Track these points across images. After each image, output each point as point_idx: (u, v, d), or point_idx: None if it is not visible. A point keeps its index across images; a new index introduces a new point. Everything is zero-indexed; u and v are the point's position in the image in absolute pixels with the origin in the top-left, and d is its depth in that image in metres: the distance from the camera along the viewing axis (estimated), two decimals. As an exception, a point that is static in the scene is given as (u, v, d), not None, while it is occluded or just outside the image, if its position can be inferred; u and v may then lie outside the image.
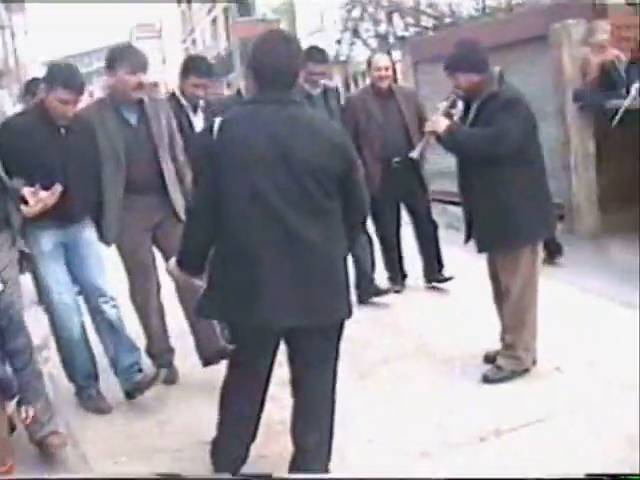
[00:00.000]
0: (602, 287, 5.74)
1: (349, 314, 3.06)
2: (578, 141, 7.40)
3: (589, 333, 4.83)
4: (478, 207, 4.15)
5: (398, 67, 13.44)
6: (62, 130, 3.91)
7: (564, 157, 7.49)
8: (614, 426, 3.60)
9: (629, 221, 7.32)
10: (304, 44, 11.49)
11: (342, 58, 18.95)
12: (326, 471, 3.17)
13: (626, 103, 6.53)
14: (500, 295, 4.31)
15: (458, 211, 4.72)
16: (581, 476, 2.65)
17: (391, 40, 16.16)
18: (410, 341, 4.91)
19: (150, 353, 4.51)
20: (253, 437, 3.27)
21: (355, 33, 17.93)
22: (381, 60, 5.91)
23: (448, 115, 4.21)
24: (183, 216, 3.90)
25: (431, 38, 10.95)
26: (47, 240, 3.94)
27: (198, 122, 4.80)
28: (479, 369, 4.30)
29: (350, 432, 3.68)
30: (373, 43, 17.22)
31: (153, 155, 4.24)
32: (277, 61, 2.89)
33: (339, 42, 18.63)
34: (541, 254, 4.31)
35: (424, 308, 5.64)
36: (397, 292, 6.02)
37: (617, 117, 6.60)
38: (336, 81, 21.78)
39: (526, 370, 4.24)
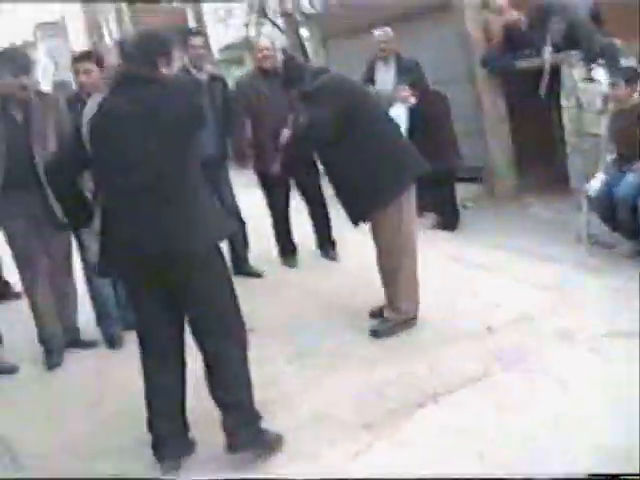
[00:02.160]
0: (524, 245, 5.89)
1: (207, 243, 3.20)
2: (490, 104, 7.53)
3: (519, 291, 4.94)
4: (333, 187, 4.53)
5: (307, 45, 13.42)
6: None
7: (477, 121, 7.61)
8: (550, 377, 3.69)
9: (545, 179, 7.54)
10: (212, 31, 11.41)
11: (252, 41, 18.75)
12: (257, 430, 3.29)
13: (547, 67, 6.64)
14: None
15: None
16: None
17: (298, 18, 16.05)
18: (341, 316, 4.91)
19: (40, 338, 4.80)
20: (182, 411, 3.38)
21: (262, 14, 17.75)
22: (262, 42, 6.28)
23: (296, 127, 4.76)
24: (60, 217, 4.33)
25: (338, 14, 10.92)
26: None
27: None
28: (410, 336, 4.36)
29: (293, 411, 3.71)
30: (281, 23, 17.08)
31: (30, 151, 4.53)
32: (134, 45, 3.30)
33: (247, 25, 18.43)
34: (411, 209, 4.49)
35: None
36: (292, 267, 6.23)
37: (543, 85, 6.70)
38: (248, 65, 21.61)
39: (412, 319, 4.49)
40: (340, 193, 4.51)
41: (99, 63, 4.87)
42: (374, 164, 4.29)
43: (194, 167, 3.22)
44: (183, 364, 3.37)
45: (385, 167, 4.31)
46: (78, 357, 4.84)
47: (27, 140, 4.55)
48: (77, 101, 4.81)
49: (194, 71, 5.55)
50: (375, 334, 4.49)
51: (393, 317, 4.50)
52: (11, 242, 4.70)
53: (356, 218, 4.48)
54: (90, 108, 3.19)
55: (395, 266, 4.44)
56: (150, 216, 3.10)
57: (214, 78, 5.81)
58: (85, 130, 3.17)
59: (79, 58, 4.95)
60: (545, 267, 5.36)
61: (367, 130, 4.34)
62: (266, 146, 5.78)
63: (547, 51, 6.64)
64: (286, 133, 4.78)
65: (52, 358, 4.77)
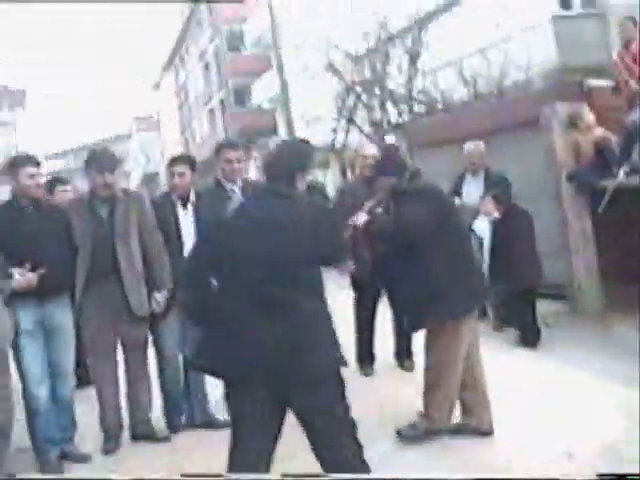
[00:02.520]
0: (607, 366, 5.68)
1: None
2: (575, 221, 7.45)
3: (602, 416, 4.75)
4: (395, 291, 4.65)
5: (393, 153, 13.71)
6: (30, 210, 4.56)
7: (563, 238, 7.53)
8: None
9: (631, 299, 7.31)
10: (300, 133, 11.87)
11: (338, 146, 19.27)
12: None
13: (612, 187, 6.64)
14: None
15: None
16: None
17: (385, 126, 16.45)
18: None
19: (102, 427, 4.94)
20: None
21: (350, 121, 18.27)
22: (367, 149, 6.30)
23: (371, 213, 4.73)
24: (137, 309, 4.75)
25: (424, 124, 11.16)
26: (27, 318, 4.48)
27: (187, 217, 5.05)
28: (487, 455, 4.20)
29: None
30: (368, 130, 17.52)
31: (113, 246, 4.75)
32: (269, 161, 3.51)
33: (334, 130, 18.97)
34: (469, 329, 4.46)
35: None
36: (367, 375, 6.12)
37: (603, 203, 6.70)
38: (333, 169, 22.14)
39: (443, 431, 4.45)
40: (401, 295, 4.58)
41: (192, 167, 5.09)
42: (438, 279, 4.31)
43: (319, 287, 3.30)
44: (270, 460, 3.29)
45: (447, 285, 4.31)
46: (148, 449, 4.87)
47: (111, 235, 4.75)
48: (166, 201, 5.10)
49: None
50: (399, 435, 4.52)
51: (423, 424, 4.48)
52: (84, 328, 4.85)
53: (411, 324, 4.58)
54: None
55: (437, 379, 4.43)
56: (273, 325, 3.11)
57: (313, 186, 5.96)
58: (218, 231, 3.37)
59: (175, 161, 5.18)
60: (630, 392, 5.14)
61: (445, 243, 4.38)
62: (362, 252, 5.63)
63: (623, 171, 6.65)
64: (362, 216, 4.76)
65: (109, 444, 4.89)
